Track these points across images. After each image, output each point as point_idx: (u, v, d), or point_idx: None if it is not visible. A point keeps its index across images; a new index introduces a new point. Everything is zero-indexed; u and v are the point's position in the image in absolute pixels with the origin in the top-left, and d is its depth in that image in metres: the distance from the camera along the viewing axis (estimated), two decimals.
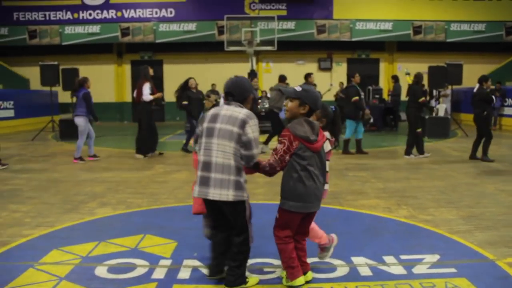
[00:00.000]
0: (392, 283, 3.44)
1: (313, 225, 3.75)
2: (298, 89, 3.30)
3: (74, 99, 9.99)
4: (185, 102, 10.53)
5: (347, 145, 10.39)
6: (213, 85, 17.91)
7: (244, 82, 3.39)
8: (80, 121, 9.45)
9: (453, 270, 3.67)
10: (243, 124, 3.15)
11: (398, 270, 3.69)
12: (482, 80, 9.33)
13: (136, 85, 10.32)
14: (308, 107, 3.26)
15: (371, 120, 11.51)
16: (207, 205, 3.34)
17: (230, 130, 3.15)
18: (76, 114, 9.54)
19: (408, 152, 9.83)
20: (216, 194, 3.16)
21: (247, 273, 3.44)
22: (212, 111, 3.31)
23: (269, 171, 3.26)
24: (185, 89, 10.56)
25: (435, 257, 3.95)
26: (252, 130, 3.18)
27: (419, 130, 9.71)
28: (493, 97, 9.41)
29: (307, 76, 11.24)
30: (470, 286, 3.37)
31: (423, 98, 9.76)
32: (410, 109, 9.82)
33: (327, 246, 3.77)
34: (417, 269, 3.70)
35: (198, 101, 10.65)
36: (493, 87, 9.64)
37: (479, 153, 9.33)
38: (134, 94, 10.16)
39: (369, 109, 11.13)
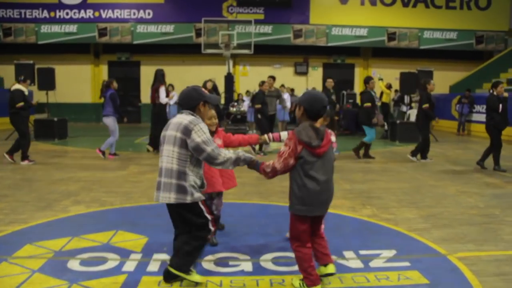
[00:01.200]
0: (349, 275, 3.69)
1: None
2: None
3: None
4: (259, 106, 11.05)
5: (367, 150, 10.47)
6: None
7: (190, 93, 3.48)
8: (109, 121, 9.97)
9: (407, 263, 3.94)
10: (186, 130, 3.27)
11: (356, 264, 3.94)
12: (492, 86, 9.12)
13: (151, 87, 11.02)
14: (303, 108, 3.34)
15: (386, 128, 11.24)
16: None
17: (173, 135, 3.31)
18: (104, 114, 10.03)
19: (413, 154, 10.10)
20: (161, 197, 3.35)
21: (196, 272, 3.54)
22: (170, 120, 3.48)
23: (270, 174, 3.34)
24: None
25: (391, 252, 4.21)
26: (198, 135, 3.26)
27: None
28: (500, 105, 8.84)
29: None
30: (420, 278, 3.64)
31: (426, 105, 9.75)
32: (419, 115, 10.03)
33: None
34: (374, 263, 3.95)
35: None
36: (506, 94, 9.20)
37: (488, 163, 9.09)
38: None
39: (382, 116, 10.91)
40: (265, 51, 20.92)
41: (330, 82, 11.53)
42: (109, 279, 3.52)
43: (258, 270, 3.79)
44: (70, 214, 5.46)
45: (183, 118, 3.35)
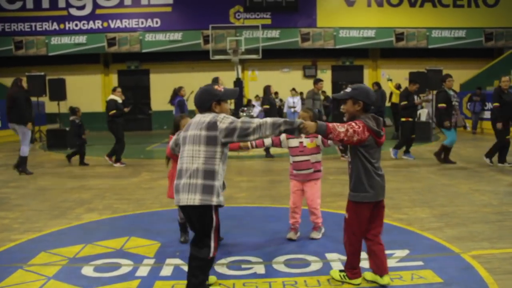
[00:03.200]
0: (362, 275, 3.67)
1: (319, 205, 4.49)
2: (348, 90, 3.46)
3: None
4: (267, 106, 11.23)
5: (447, 154, 9.61)
6: None
7: (201, 94, 3.32)
8: None
9: (420, 263, 3.91)
10: (210, 125, 3.13)
11: (369, 264, 3.91)
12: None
13: None
14: (362, 102, 3.38)
15: (467, 128, 10.00)
16: (184, 213, 3.31)
17: (198, 134, 3.15)
18: None
19: (488, 156, 9.31)
20: (184, 199, 3.10)
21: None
22: (189, 122, 3.36)
23: (334, 136, 3.19)
24: (267, 94, 11.28)
25: (404, 252, 4.19)
26: (223, 122, 3.11)
27: (508, 137, 9.08)
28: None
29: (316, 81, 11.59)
30: (434, 277, 3.61)
31: (496, 104, 9.09)
32: (493, 115, 9.39)
33: (321, 226, 4.53)
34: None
35: (276, 106, 11.87)
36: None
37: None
38: None
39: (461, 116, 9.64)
40: (273, 56, 20.97)
41: (413, 85, 10.68)
42: (122, 285, 3.55)
43: (271, 272, 3.79)
44: (83, 222, 5.52)
45: (204, 117, 3.21)
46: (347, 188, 3.54)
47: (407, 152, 10.56)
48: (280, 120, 3.10)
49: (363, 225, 3.46)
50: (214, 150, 3.12)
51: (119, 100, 10.28)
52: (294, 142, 4.48)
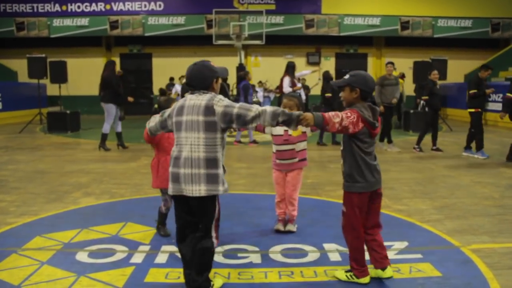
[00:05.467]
0: None
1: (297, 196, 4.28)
2: (346, 76, 3.29)
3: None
4: (329, 94, 11.11)
5: None
6: None
7: (202, 70, 3.04)
8: None
9: (419, 255, 3.86)
10: (207, 110, 2.92)
11: (367, 255, 3.86)
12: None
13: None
14: (359, 90, 3.21)
15: None
16: (177, 203, 3.12)
17: (195, 120, 2.93)
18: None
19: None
20: (189, 190, 2.93)
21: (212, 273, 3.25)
22: (179, 103, 3.05)
23: (328, 126, 3.02)
24: (328, 81, 11.08)
25: (403, 244, 4.13)
26: (219, 105, 2.92)
27: None
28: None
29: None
30: (433, 270, 3.56)
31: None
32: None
33: (295, 220, 4.38)
34: None
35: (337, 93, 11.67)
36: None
37: None
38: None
39: None
40: (277, 42, 20.76)
41: (484, 72, 9.19)
42: (116, 271, 3.51)
43: (267, 262, 3.74)
44: (80, 206, 5.48)
45: (199, 99, 2.97)
46: None
47: (468, 148, 9.49)
48: (279, 110, 2.90)
49: (360, 217, 3.31)
50: (214, 137, 2.93)
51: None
52: (279, 130, 4.20)
